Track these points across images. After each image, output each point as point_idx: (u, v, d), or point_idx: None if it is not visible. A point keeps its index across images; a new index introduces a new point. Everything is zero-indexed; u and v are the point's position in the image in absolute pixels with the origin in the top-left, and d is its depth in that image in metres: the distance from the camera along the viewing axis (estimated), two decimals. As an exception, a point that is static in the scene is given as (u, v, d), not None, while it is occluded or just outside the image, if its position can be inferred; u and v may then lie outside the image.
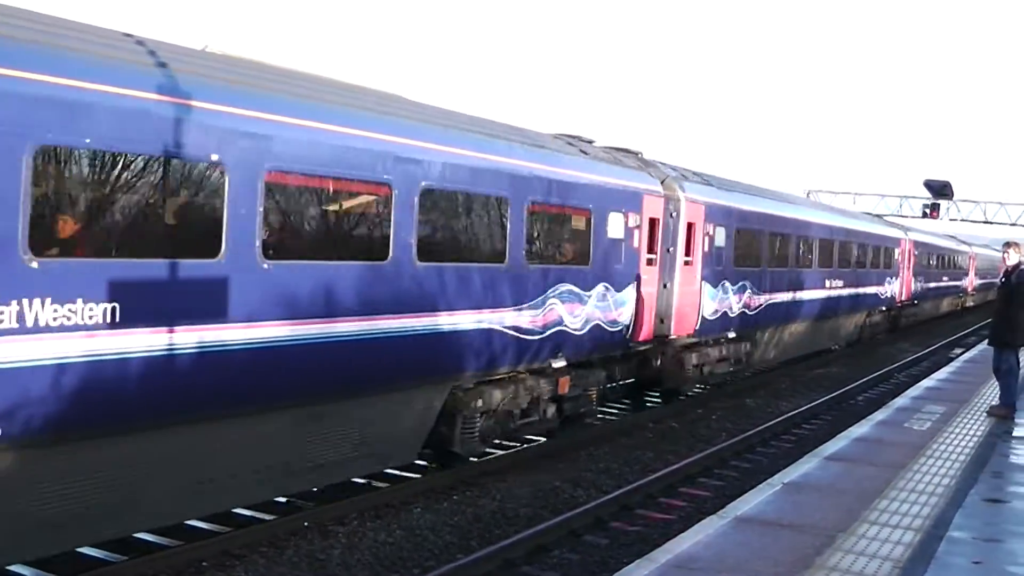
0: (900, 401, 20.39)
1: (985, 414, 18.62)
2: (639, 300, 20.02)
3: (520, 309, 16.10)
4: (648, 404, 23.99)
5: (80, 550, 11.14)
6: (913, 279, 48.63)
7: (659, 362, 22.46)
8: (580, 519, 13.84)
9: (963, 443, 15.77)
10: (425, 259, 13.80)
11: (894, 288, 44.48)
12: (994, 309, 19.28)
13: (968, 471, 13.75)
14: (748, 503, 11.64)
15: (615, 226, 19.13)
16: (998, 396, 19.13)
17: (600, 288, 18.53)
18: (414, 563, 12.15)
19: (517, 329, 16.05)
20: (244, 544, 12.19)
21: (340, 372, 12.66)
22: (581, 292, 17.86)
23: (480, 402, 15.68)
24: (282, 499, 13.77)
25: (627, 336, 19.90)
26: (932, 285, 55.79)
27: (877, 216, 51.03)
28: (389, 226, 13.22)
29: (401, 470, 15.72)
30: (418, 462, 16.15)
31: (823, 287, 33.19)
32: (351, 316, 12.60)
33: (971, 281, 75.27)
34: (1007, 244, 18.93)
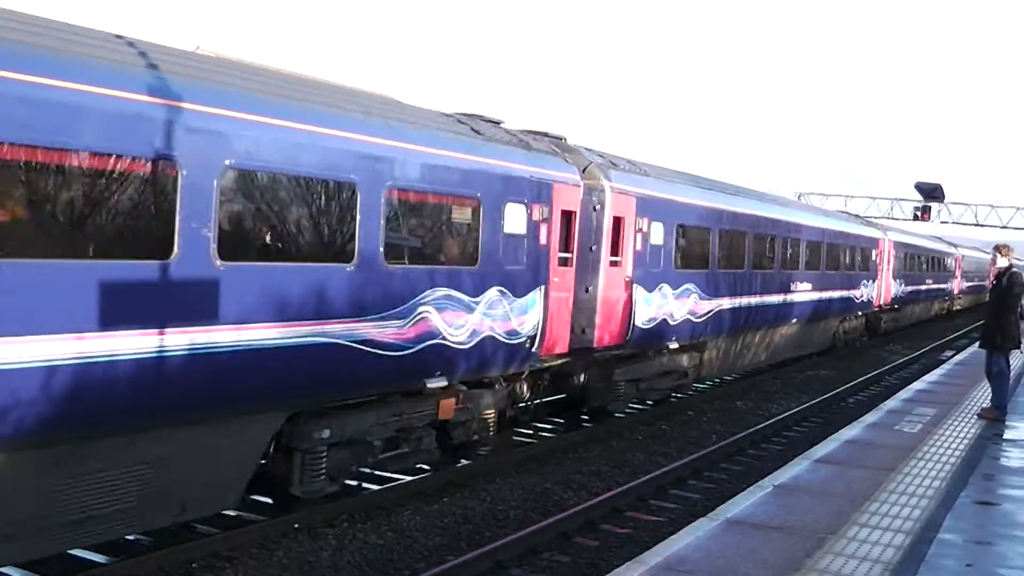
0: (891, 404, 20.41)
1: (976, 416, 18.65)
2: (548, 307, 17.11)
3: (378, 319, 13.15)
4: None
5: (69, 551, 11.11)
6: (893, 282, 45.76)
7: (583, 378, 19.76)
8: (570, 521, 13.81)
9: (954, 446, 15.78)
10: (229, 258, 11.00)
11: (871, 291, 41.47)
12: (986, 312, 19.33)
13: (959, 474, 13.75)
14: (738, 505, 11.64)
15: (514, 220, 16.21)
16: (989, 398, 19.15)
17: (492, 293, 15.62)
18: (404, 565, 12.13)
19: (373, 343, 13.07)
20: (234, 546, 12.15)
21: (105, 402, 9.88)
22: (466, 298, 14.99)
23: (327, 432, 12.99)
24: (272, 501, 13.73)
25: (532, 349, 16.88)
26: (915, 288, 52.69)
27: (855, 215, 48.35)
28: (173, 215, 10.37)
29: (391, 472, 15.69)
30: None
31: (788, 291, 30.10)
32: (117, 329, 9.82)
33: (958, 284, 71.82)
34: (996, 247, 18.98)
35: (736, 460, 18.93)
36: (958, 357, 32.39)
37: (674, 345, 22.67)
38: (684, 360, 23.73)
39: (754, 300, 27.15)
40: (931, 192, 61.89)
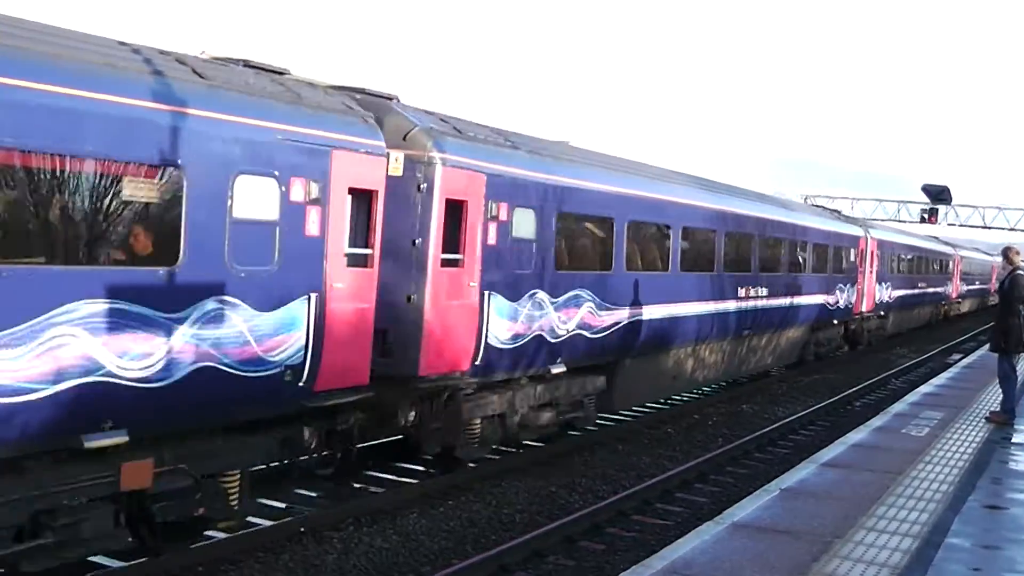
0: (898, 407, 20.35)
1: (984, 420, 18.59)
2: (327, 324, 12.39)
3: None
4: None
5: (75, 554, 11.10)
6: (878, 285, 41.25)
7: (411, 416, 15.14)
8: (576, 525, 13.79)
9: (961, 449, 15.72)
10: None
11: (850, 296, 36.83)
12: (994, 315, 19.32)
13: (967, 477, 13.70)
14: (745, 509, 11.60)
15: (253, 199, 11.37)
16: (999, 402, 19.11)
17: (207, 306, 10.82)
18: (409, 568, 12.11)
19: None
20: (240, 549, 12.13)
21: None
22: (154, 314, 10.23)
23: None
24: (277, 504, 13.71)
25: (299, 382, 12.15)
26: (904, 292, 47.56)
27: (834, 211, 42.02)
28: None
29: (396, 475, 15.66)
30: (414, 467, 16.11)
31: (734, 296, 25.14)
32: None
33: (955, 287, 65.75)
34: (1005, 250, 18.95)
35: (742, 463, 18.88)
36: (966, 360, 32.31)
37: (559, 368, 17.64)
38: (580, 387, 18.89)
39: (689, 308, 22.52)
40: (938, 194, 61.85)
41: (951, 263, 63.38)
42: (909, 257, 49.50)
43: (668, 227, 21.74)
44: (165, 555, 11.54)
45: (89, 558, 11.27)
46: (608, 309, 18.83)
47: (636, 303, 19.94)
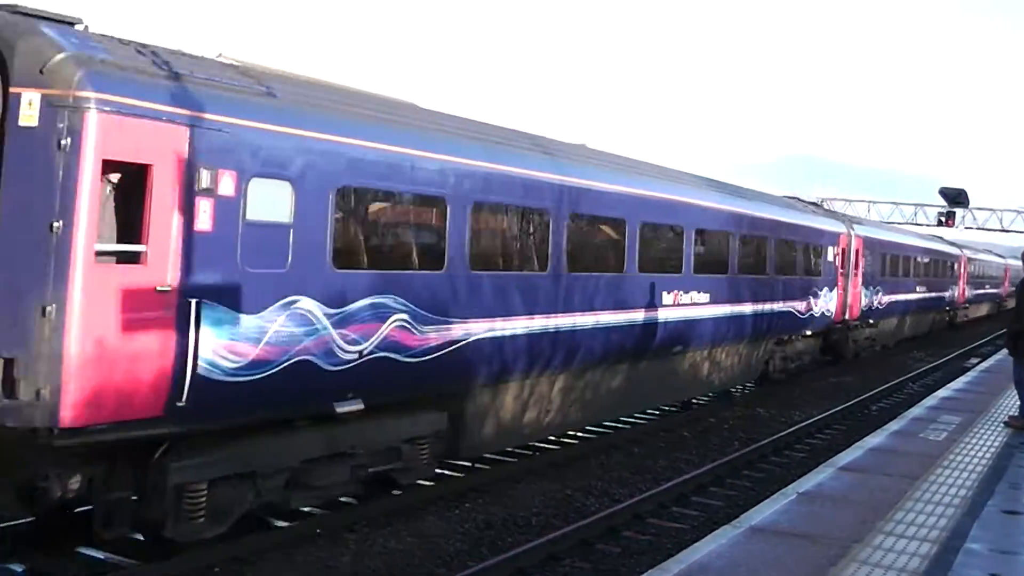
0: (915, 411, 20.24)
1: (1002, 425, 18.49)
2: None
3: None
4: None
5: (89, 552, 11.13)
6: (865, 290, 36.32)
7: (74, 485, 10.44)
8: (592, 528, 13.76)
9: (980, 454, 15.64)
10: None
11: (829, 303, 31.70)
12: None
13: (985, 482, 13.62)
14: (762, 513, 11.54)
15: None
16: (1018, 406, 19.00)
17: None
18: (424, 570, 12.11)
19: None
20: (254, 550, 12.15)
21: None
22: None
23: None
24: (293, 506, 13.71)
25: None
26: (898, 298, 41.94)
27: (813, 204, 37.47)
28: None
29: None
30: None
31: (645, 305, 19.41)
32: None
33: (961, 291, 60.27)
34: None
35: (758, 467, 18.82)
36: (984, 364, 32.14)
37: (349, 407, 12.59)
38: (396, 429, 14.01)
39: (579, 320, 17.19)
40: (955, 197, 61.59)
41: (956, 264, 58.28)
42: (905, 258, 43.97)
43: (541, 213, 16.39)
44: (180, 555, 11.57)
45: (105, 558, 11.31)
46: (436, 323, 13.78)
47: (484, 314, 14.87)
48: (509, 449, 17.29)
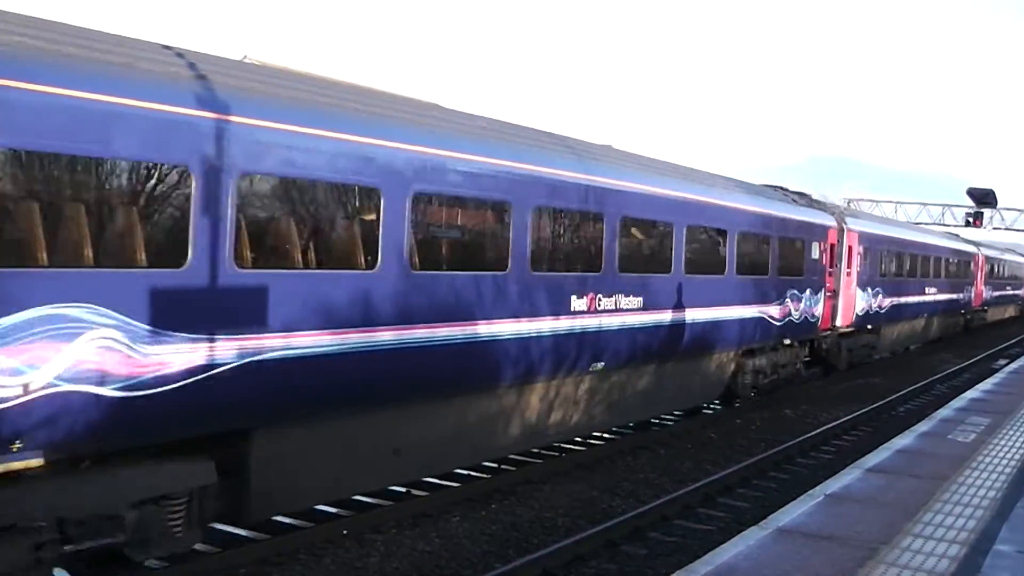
0: (943, 412, 20.17)
1: (1030, 426, 18.40)
2: None
3: None
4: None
5: (115, 556, 11.16)
6: (861, 292, 32.08)
7: None
8: (618, 529, 13.74)
9: (1009, 455, 15.56)
10: None
11: (814, 307, 27.38)
12: None
13: (1014, 484, 13.55)
14: (789, 514, 11.53)
15: None
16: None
17: None
18: (451, 572, 12.12)
19: None
20: (282, 552, 12.19)
21: None
22: None
23: None
24: (320, 507, 13.74)
25: None
26: (903, 300, 37.51)
27: (799, 194, 29.98)
28: None
29: (439, 478, 15.66)
30: (457, 470, 16.08)
31: (553, 312, 15.53)
32: None
33: (978, 292, 55.60)
34: None
35: (785, 469, 18.76)
36: (1012, 365, 32.00)
37: (12, 463, 8.93)
38: (118, 488, 10.10)
39: (435, 332, 13.17)
40: (983, 198, 61.21)
41: (972, 264, 53.51)
42: (910, 255, 39.36)
43: (375, 189, 12.38)
44: (208, 556, 11.63)
45: (129, 559, 11.35)
46: (162, 340, 9.77)
47: (260, 326, 10.83)
48: (534, 450, 17.27)
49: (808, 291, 26.70)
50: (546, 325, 15.41)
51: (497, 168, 14.45)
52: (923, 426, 18.23)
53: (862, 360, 34.49)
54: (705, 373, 22.23)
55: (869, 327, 34.00)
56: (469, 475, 16.18)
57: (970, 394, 23.47)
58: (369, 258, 12.24)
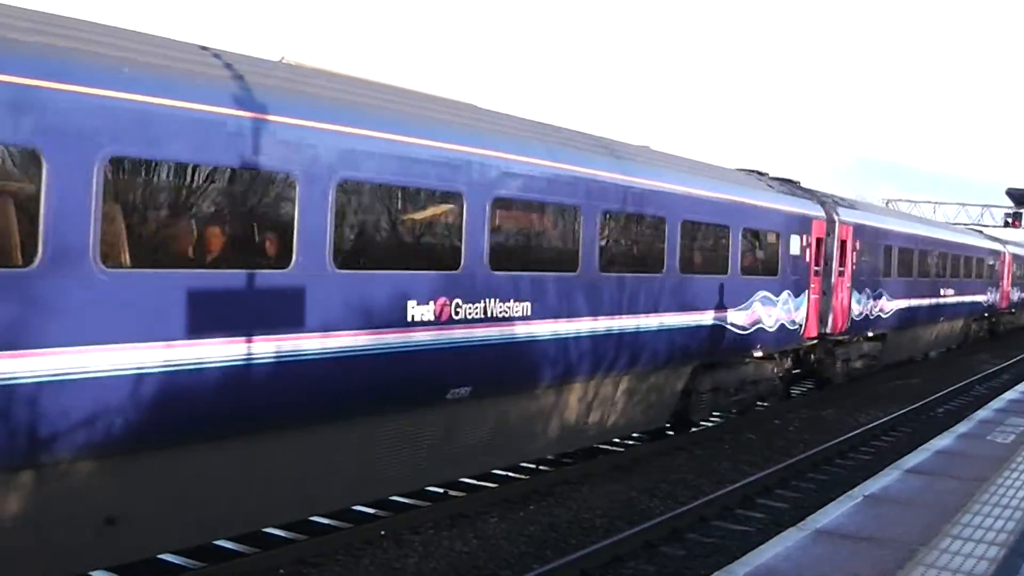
0: (982, 413, 20.06)
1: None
2: None
3: None
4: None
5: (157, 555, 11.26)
6: (858, 294, 27.61)
7: None
8: (656, 530, 13.74)
9: (1048, 456, 15.47)
10: None
11: (794, 313, 23.12)
12: None
13: (1054, 485, 13.48)
14: (828, 515, 11.51)
15: None
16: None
17: None
18: (489, 572, 12.15)
19: None
20: (320, 553, 12.25)
21: None
22: None
23: None
24: (359, 508, 13.81)
25: None
26: (912, 303, 33.05)
27: (781, 180, 25.50)
28: None
29: (476, 479, 15.71)
30: (495, 471, 16.12)
31: (388, 322, 11.93)
32: None
33: (1004, 293, 50.56)
34: None
35: (823, 470, 18.70)
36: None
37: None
38: None
39: (214, 352, 10.03)
40: (1022, 198, 60.78)
41: (997, 262, 48.48)
42: (920, 252, 34.55)
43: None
44: (246, 557, 11.73)
45: (166, 558, 11.47)
46: None
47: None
48: (572, 451, 17.29)
49: (786, 293, 22.63)
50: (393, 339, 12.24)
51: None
52: (962, 427, 18.14)
53: (865, 371, 30.46)
54: (639, 396, 18.25)
55: (871, 334, 29.87)
56: (507, 476, 16.22)
57: (1009, 395, 23.32)
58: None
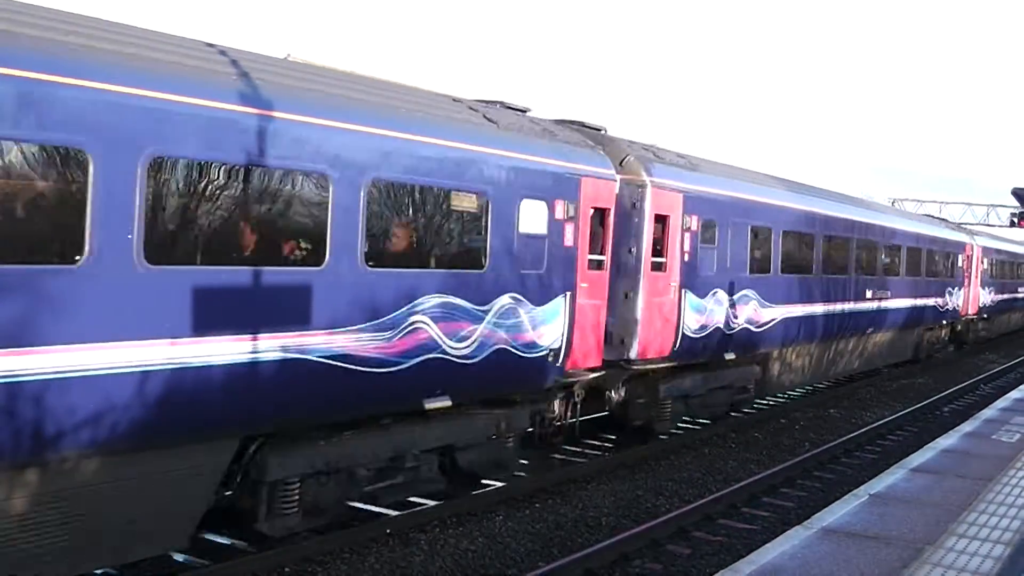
0: (987, 412, 20.06)
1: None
2: None
3: None
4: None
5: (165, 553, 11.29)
6: (693, 299, 18.79)
7: None
8: (662, 528, 13.76)
9: (1054, 455, 15.47)
10: None
11: (524, 330, 14.37)
12: None
13: (1060, 484, 13.48)
14: (834, 514, 11.52)
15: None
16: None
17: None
18: (495, 571, 12.17)
19: None
20: (326, 551, 12.26)
21: None
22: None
23: None
24: (364, 506, 13.83)
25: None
26: (802, 311, 23.74)
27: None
28: None
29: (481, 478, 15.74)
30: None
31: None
32: None
33: (971, 296, 40.83)
34: None
35: (829, 468, 18.70)
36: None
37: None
38: None
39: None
40: (1028, 198, 60.60)
41: (961, 257, 39.40)
42: (817, 237, 24.96)
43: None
44: (252, 555, 11.74)
45: (176, 557, 11.49)
46: None
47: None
48: (578, 450, 17.30)
49: (508, 298, 14.11)
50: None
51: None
52: (967, 426, 18.15)
53: (712, 414, 21.55)
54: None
55: (730, 356, 20.79)
56: (513, 474, 16.24)
57: (1014, 394, 23.32)
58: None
